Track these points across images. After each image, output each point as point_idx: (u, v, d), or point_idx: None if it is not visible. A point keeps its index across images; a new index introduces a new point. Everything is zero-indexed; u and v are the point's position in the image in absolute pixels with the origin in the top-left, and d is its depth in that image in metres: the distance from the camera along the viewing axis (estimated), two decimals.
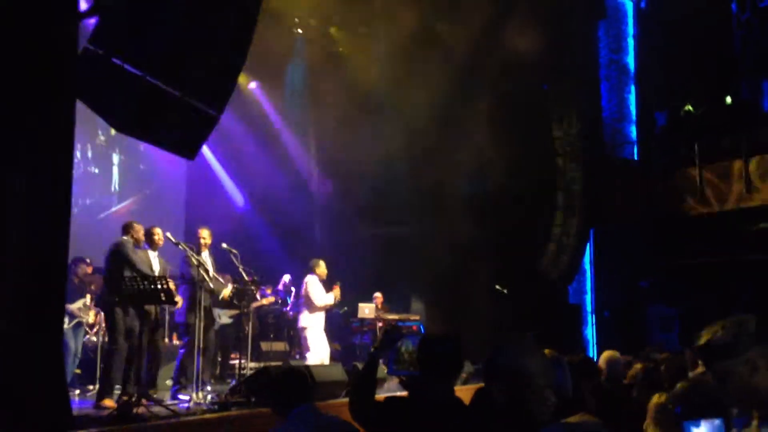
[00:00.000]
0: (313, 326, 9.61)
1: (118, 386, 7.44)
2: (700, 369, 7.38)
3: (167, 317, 10.08)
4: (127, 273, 7.27)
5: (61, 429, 4.97)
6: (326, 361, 9.49)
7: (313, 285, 9.63)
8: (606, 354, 6.23)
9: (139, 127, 5.55)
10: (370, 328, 12.45)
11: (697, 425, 2.54)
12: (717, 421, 2.56)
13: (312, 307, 9.62)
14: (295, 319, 13.27)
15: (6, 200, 4.86)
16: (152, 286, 6.70)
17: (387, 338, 3.80)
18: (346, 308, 13.40)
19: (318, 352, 9.56)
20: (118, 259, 7.47)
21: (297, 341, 13.44)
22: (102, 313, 9.43)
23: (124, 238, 7.74)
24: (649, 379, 5.32)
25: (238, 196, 15.28)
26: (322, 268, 9.78)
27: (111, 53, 5.17)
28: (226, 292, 8.16)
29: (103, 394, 7.17)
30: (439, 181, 13.50)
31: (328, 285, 9.81)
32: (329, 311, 10.33)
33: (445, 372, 3.53)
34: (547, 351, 3.85)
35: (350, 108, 13.59)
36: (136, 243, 7.76)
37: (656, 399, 3.80)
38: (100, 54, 5.12)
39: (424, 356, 3.55)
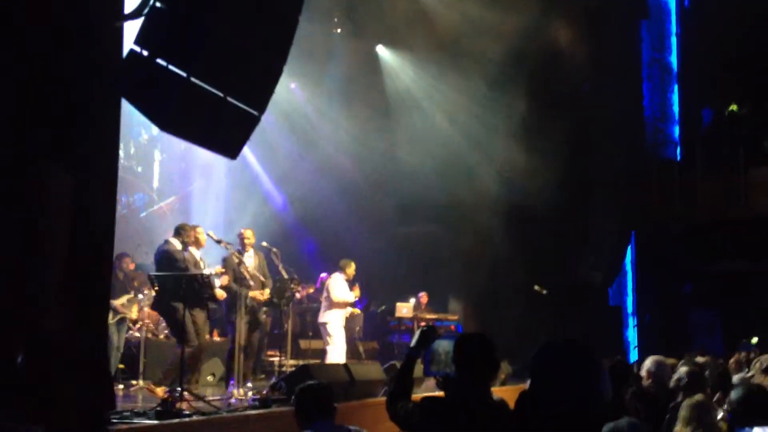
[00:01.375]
0: (332, 322, 9.80)
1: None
2: (745, 373, 7.30)
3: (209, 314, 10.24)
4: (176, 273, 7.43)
5: (106, 422, 5.08)
6: (343, 358, 9.62)
7: (335, 282, 9.88)
8: (652, 358, 6.16)
9: (183, 126, 5.64)
10: (408, 327, 12.46)
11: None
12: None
13: (332, 304, 9.82)
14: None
15: (54, 198, 4.97)
16: (200, 285, 6.83)
17: (423, 338, 3.81)
18: (383, 307, 13.45)
19: (338, 346, 9.74)
20: (167, 260, 7.63)
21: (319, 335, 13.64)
22: (145, 310, 9.61)
23: (172, 240, 7.90)
24: (693, 383, 5.25)
25: (277, 196, 15.40)
26: (351, 268, 10.02)
27: (156, 54, 5.25)
28: (258, 295, 8.23)
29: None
30: (477, 180, 13.47)
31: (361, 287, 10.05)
32: (366, 311, 10.42)
33: (480, 372, 3.53)
34: None
35: (388, 107, 13.63)
36: (185, 245, 7.90)
37: (696, 398, 3.76)
38: (144, 55, 5.21)
39: (459, 357, 3.56)
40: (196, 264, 7.89)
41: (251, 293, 8.13)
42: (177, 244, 7.84)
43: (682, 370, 5.38)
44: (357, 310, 11.61)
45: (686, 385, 5.21)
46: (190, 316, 7.31)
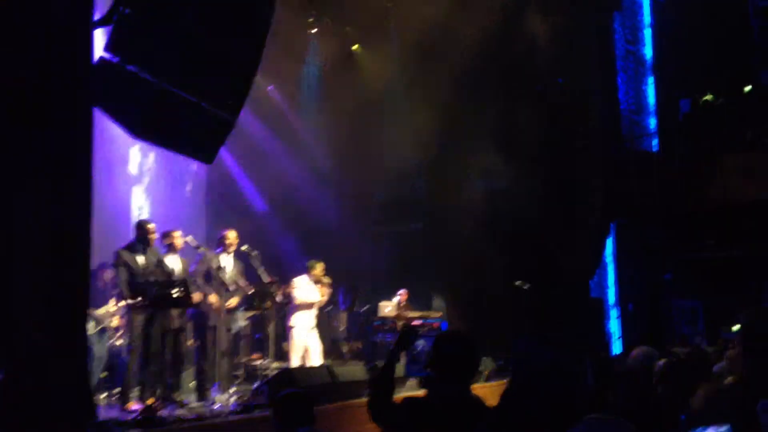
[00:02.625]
0: (299, 325, 9.65)
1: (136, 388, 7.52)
2: (725, 362, 7.34)
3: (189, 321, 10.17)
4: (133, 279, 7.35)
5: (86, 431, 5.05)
6: (315, 360, 9.52)
7: (297, 283, 9.74)
8: (639, 350, 6.16)
9: (156, 133, 5.62)
10: (391, 327, 12.46)
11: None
12: (723, 428, 2.55)
13: (298, 308, 9.70)
14: (320, 319, 13.41)
15: (28, 207, 4.93)
16: (166, 291, 6.74)
17: (404, 338, 3.82)
18: (367, 306, 13.44)
19: (298, 350, 9.56)
20: (120, 265, 7.52)
21: (326, 340, 13.58)
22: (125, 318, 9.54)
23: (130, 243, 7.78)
24: (673, 374, 5.26)
25: (256, 198, 15.36)
26: (317, 269, 9.89)
27: (126, 61, 5.23)
28: (232, 302, 8.17)
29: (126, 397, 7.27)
30: (455, 176, 13.50)
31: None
32: (350, 311, 10.40)
33: (459, 371, 3.54)
34: None
35: (366, 105, 13.62)
36: (146, 243, 7.73)
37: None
38: (115, 62, 5.18)
39: (438, 356, 3.57)
40: (159, 264, 7.73)
41: (230, 301, 8.09)
42: (135, 245, 7.71)
43: (659, 362, 5.41)
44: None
45: (662, 377, 5.23)
46: (164, 322, 7.25)
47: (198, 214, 14.95)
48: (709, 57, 14.86)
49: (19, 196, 4.91)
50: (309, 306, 9.77)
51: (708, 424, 2.53)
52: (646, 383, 5.62)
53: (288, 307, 9.87)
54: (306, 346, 9.66)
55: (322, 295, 9.81)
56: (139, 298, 6.95)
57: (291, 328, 9.71)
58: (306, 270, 9.90)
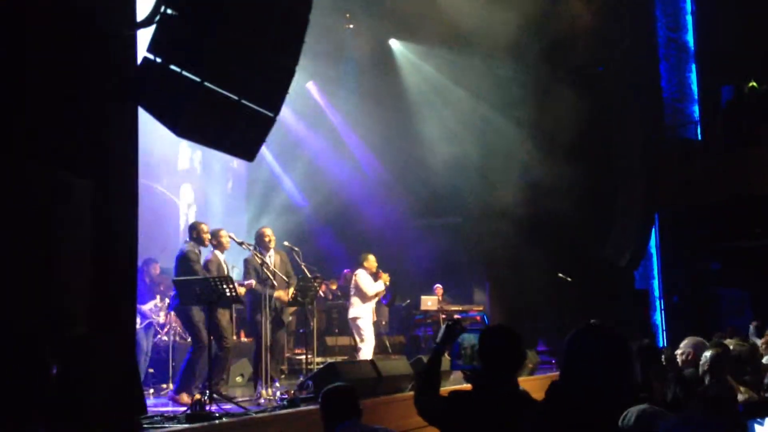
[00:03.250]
0: (364, 317, 9.91)
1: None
2: None
3: (235, 315, 10.29)
4: (195, 275, 7.47)
5: (137, 427, 5.13)
6: (371, 353, 9.74)
7: (361, 277, 9.97)
8: (690, 340, 6.09)
9: (199, 131, 5.67)
10: (433, 320, 12.48)
11: (761, 423, 2.48)
12: None
13: (363, 298, 9.93)
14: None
15: (75, 205, 5.02)
16: (219, 288, 6.84)
17: (448, 332, 3.82)
18: (408, 300, 13.45)
19: (369, 341, 9.84)
20: (185, 264, 7.67)
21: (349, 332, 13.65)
22: (172, 313, 9.68)
23: (190, 242, 7.94)
24: (717, 366, 5.20)
25: (297, 194, 15.45)
26: (370, 261, 10.09)
27: (169, 61, 5.28)
28: (283, 295, 8.26)
29: (181, 390, 7.41)
30: (495, 169, 13.42)
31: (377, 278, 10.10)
32: (391, 305, 10.45)
33: (506, 364, 3.54)
34: None
35: (404, 100, 13.61)
36: (201, 243, 7.93)
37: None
38: (158, 62, 5.24)
39: (484, 350, 3.56)
40: (219, 266, 7.93)
41: (276, 293, 8.17)
42: (193, 245, 7.89)
43: (707, 353, 5.34)
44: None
45: (710, 368, 5.18)
46: (212, 318, 7.35)
47: (239, 211, 15.10)
48: (752, 43, 14.56)
49: (66, 194, 5.01)
50: (372, 297, 9.99)
51: (766, 416, 2.48)
52: (694, 374, 5.56)
53: (351, 300, 10.08)
54: (372, 337, 9.92)
55: (386, 281, 10.04)
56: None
57: (356, 319, 9.91)
58: (360, 264, 10.08)
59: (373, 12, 14.06)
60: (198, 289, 6.84)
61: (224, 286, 6.85)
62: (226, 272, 7.90)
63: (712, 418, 2.19)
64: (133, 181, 5.57)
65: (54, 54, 4.97)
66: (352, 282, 10.13)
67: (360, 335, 9.88)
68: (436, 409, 3.62)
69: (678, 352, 6.00)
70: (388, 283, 10.14)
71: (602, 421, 2.42)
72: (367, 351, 9.73)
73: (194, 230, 8.03)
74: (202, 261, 7.93)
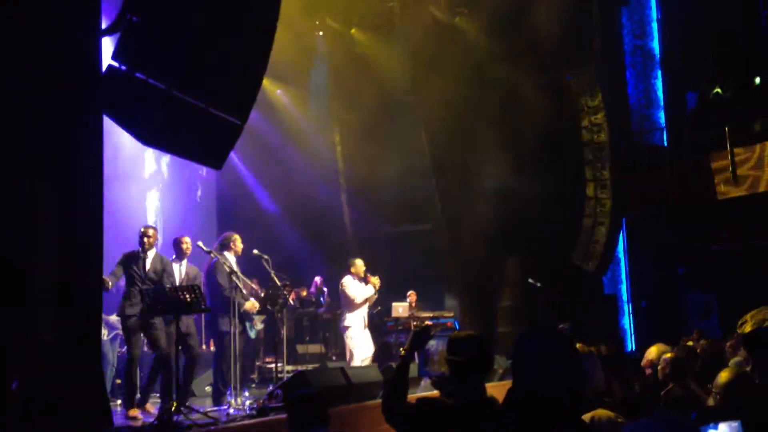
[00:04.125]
0: (354, 325, 9.71)
1: (156, 394, 7.55)
2: (740, 356, 7.31)
3: (203, 324, 10.19)
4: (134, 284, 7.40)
5: None
6: (369, 359, 9.56)
7: (348, 284, 9.76)
8: (656, 348, 6.15)
9: (165, 139, 5.64)
10: (404, 327, 12.45)
11: (715, 428, 2.50)
12: (735, 424, 2.53)
13: (351, 306, 9.73)
14: (332, 321, 13.40)
15: (41, 215, 4.96)
16: (178, 296, 6.75)
17: (416, 339, 3.83)
18: (379, 308, 13.43)
19: (362, 350, 9.65)
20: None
21: (341, 342, 13.56)
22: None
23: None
24: (677, 370, 5.27)
25: (268, 204, 15.38)
26: (357, 266, 9.89)
27: (134, 68, 5.25)
28: (249, 305, 8.20)
29: (129, 404, 7.29)
30: (466, 176, 13.48)
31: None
32: (371, 310, 10.41)
33: (474, 371, 3.55)
34: (578, 345, 3.85)
35: (374, 107, 13.61)
36: (149, 247, 7.73)
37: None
38: (123, 70, 5.21)
39: (452, 356, 3.57)
40: (179, 274, 7.82)
41: (246, 305, 8.12)
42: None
43: (666, 358, 5.41)
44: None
45: (671, 373, 5.24)
46: (179, 328, 7.28)
47: (209, 219, 14.99)
48: (717, 49, 14.80)
49: (32, 203, 4.94)
50: (361, 304, 9.77)
51: (719, 421, 2.50)
52: (654, 378, 5.62)
53: (342, 308, 9.91)
54: (366, 345, 9.74)
55: (375, 285, 9.77)
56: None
57: (347, 328, 9.74)
58: (348, 270, 9.90)
59: (343, 20, 14.07)
60: (164, 298, 6.77)
61: (195, 296, 6.77)
62: (184, 280, 7.81)
63: (673, 422, 2.21)
64: (98, 189, 5.51)
65: (18, 62, 4.91)
66: (340, 290, 9.92)
67: (349, 344, 9.70)
68: (404, 416, 3.62)
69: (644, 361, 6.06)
70: (378, 285, 9.84)
71: (556, 426, 2.43)
72: (359, 356, 9.55)
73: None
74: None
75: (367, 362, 9.44)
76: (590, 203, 14.42)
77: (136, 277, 7.46)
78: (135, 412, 7.05)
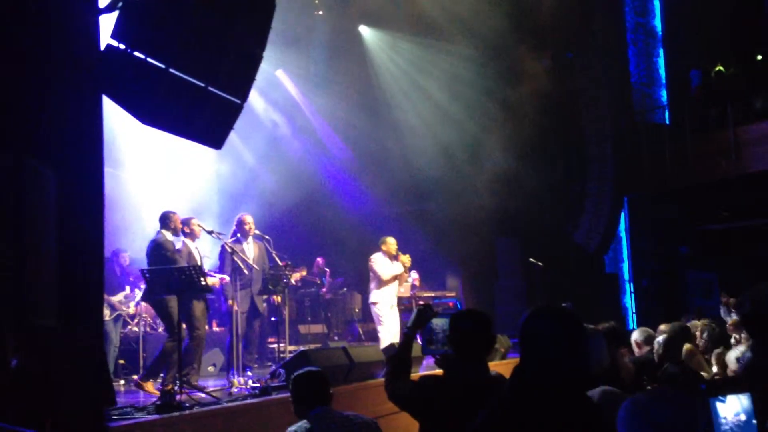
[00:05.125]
0: (382, 301, 9.68)
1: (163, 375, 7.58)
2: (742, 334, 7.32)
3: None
4: (171, 264, 7.40)
5: (106, 419, 5.08)
6: (398, 336, 9.39)
7: (377, 260, 9.73)
8: (639, 330, 6.21)
9: (165, 119, 5.59)
10: (407, 307, 12.49)
11: (723, 401, 2.50)
12: (744, 396, 2.52)
13: (379, 283, 9.70)
14: (334, 301, 13.43)
15: (39, 195, 4.94)
16: (190, 277, 6.77)
17: (419, 318, 3.83)
18: None
19: (389, 326, 9.62)
20: (158, 253, 7.57)
21: (342, 322, 13.58)
22: (141, 305, 9.59)
23: (163, 231, 7.82)
24: (669, 349, 5.31)
25: (270, 184, 15.35)
26: (388, 244, 9.82)
27: (133, 47, 5.19)
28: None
29: (148, 377, 7.33)
30: (467, 155, 13.44)
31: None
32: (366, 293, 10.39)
33: (476, 349, 3.54)
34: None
35: (376, 87, 13.56)
36: (174, 233, 7.82)
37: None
38: (121, 48, 5.15)
39: (454, 334, 3.57)
40: (190, 254, 7.83)
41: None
42: (167, 234, 7.77)
43: (659, 338, 5.45)
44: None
45: (664, 352, 5.28)
46: (184, 307, 7.29)
47: (209, 200, 14.97)
48: (719, 27, 14.70)
49: (30, 184, 4.92)
50: (389, 281, 9.73)
51: (727, 393, 2.50)
52: (650, 357, 5.65)
53: (370, 285, 9.85)
54: (394, 322, 9.70)
55: (405, 263, 9.72)
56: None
57: (374, 304, 9.71)
58: (379, 248, 9.84)
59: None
60: (167, 278, 6.77)
61: (195, 276, 6.79)
62: (198, 261, 7.82)
63: (668, 397, 2.22)
64: (98, 169, 5.47)
65: (15, 40, 4.87)
66: (369, 265, 9.86)
67: (378, 320, 9.69)
68: (407, 395, 3.63)
69: (634, 338, 6.09)
70: (408, 264, 9.81)
71: (562, 403, 2.43)
72: (386, 337, 9.49)
73: (167, 219, 7.88)
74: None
75: (388, 342, 9.27)
76: (591, 182, 14.39)
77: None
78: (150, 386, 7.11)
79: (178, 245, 7.79)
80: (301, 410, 4.08)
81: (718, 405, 2.47)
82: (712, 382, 3.61)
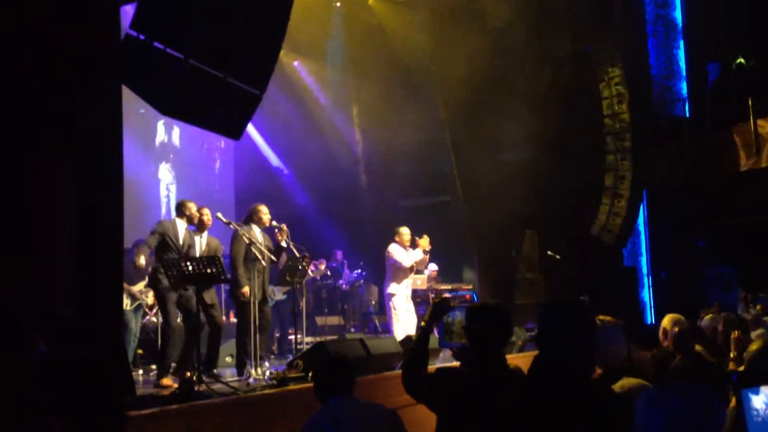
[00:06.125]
0: (399, 293, 9.63)
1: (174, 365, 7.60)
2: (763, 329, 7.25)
3: (223, 295, 10.26)
4: (170, 255, 7.41)
5: (125, 407, 5.11)
6: (411, 329, 9.39)
7: (394, 250, 9.67)
8: (670, 317, 6.12)
9: (184, 109, 5.60)
10: (423, 299, 12.49)
11: (756, 392, 2.48)
12: None
13: (397, 274, 9.64)
14: (350, 293, 13.44)
15: (58, 184, 4.97)
16: (197, 268, 6.77)
17: (435, 310, 3.82)
18: None
19: (404, 319, 9.56)
20: (162, 241, 7.59)
21: (359, 314, 13.58)
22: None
23: (176, 219, 7.83)
24: (684, 341, 5.28)
25: (286, 177, 15.38)
26: (402, 235, 9.76)
27: (153, 37, 5.21)
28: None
29: (161, 373, 7.34)
30: (484, 148, 13.39)
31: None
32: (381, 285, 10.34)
33: (493, 341, 3.53)
34: (601, 317, 3.83)
35: (392, 79, 13.53)
36: (190, 221, 7.81)
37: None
38: (141, 39, 5.17)
39: (471, 327, 3.56)
40: (191, 247, 7.79)
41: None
42: (178, 222, 7.78)
43: (673, 330, 5.42)
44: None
45: (676, 345, 5.26)
46: (186, 297, 7.32)
47: (226, 191, 15.04)
48: (740, 19, 14.54)
49: (50, 173, 4.95)
50: (410, 269, 9.68)
51: (761, 384, 2.48)
52: (666, 351, 5.62)
53: (386, 275, 9.78)
54: (410, 315, 9.64)
55: (424, 249, 9.62)
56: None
57: (391, 296, 9.63)
58: (392, 238, 9.79)
59: None
60: (176, 269, 6.79)
61: (210, 267, 6.79)
62: (205, 252, 7.83)
63: (682, 390, 2.22)
64: (118, 159, 5.50)
65: (35, 30, 4.90)
66: (386, 257, 9.78)
67: (392, 313, 9.61)
68: (424, 387, 3.62)
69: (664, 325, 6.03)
70: (428, 246, 9.66)
71: (579, 395, 2.44)
72: (399, 330, 9.43)
73: (181, 207, 7.88)
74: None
75: (403, 335, 9.18)
76: (611, 175, 14.30)
77: (173, 248, 7.54)
78: (167, 381, 7.12)
79: (184, 235, 7.75)
80: (323, 397, 4.06)
81: (751, 396, 2.45)
82: (744, 373, 3.60)
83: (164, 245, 7.58)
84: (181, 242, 7.64)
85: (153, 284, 7.72)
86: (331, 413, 3.91)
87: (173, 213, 8.26)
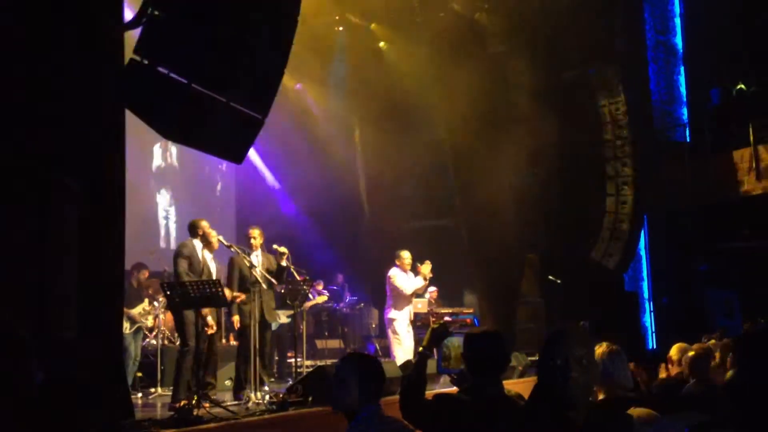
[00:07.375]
0: (400, 319, 9.58)
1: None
2: None
3: (224, 318, 10.23)
4: (193, 276, 7.40)
5: (123, 430, 5.10)
6: (410, 354, 9.33)
7: (396, 275, 9.60)
8: (678, 346, 6.09)
9: (186, 133, 5.64)
10: (423, 323, 12.45)
11: None
12: None
13: (398, 299, 9.59)
14: (351, 316, 13.42)
15: (61, 206, 4.99)
16: (204, 290, 6.77)
17: (434, 336, 3.82)
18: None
19: (405, 344, 9.50)
20: (175, 262, 7.60)
21: (360, 338, 13.52)
22: (160, 318, 9.64)
23: (191, 240, 7.83)
24: (700, 366, 5.26)
25: (287, 199, 15.39)
26: (403, 259, 9.70)
27: (156, 62, 5.25)
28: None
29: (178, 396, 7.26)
30: (486, 172, 13.41)
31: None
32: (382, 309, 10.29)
33: (490, 368, 3.53)
34: (605, 344, 3.82)
35: (393, 104, 13.58)
36: (204, 240, 7.76)
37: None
38: (145, 63, 5.21)
39: (468, 353, 3.57)
40: (206, 265, 7.82)
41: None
42: (191, 243, 7.79)
43: (688, 356, 5.40)
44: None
45: (691, 370, 5.25)
46: (199, 319, 7.31)
47: (228, 214, 15.06)
48: (740, 45, 14.63)
49: (51, 196, 4.98)
50: (411, 296, 9.63)
51: None
52: (679, 376, 5.60)
53: (387, 300, 9.74)
54: (409, 340, 9.57)
55: (425, 277, 9.54)
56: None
57: (392, 321, 9.58)
58: (393, 263, 9.75)
59: (363, 15, 14.03)
60: (190, 291, 6.77)
61: (208, 289, 6.77)
62: (214, 274, 7.83)
63: (695, 417, 2.23)
64: (120, 183, 5.55)
65: (41, 54, 4.95)
66: (387, 282, 9.73)
67: (392, 338, 9.56)
68: (422, 412, 3.61)
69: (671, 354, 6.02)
70: (429, 275, 9.54)
71: (575, 421, 2.44)
72: (400, 354, 9.36)
73: (193, 227, 7.86)
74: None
75: (403, 359, 9.12)
76: (612, 199, 14.30)
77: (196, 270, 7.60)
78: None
79: (201, 255, 7.77)
80: (356, 402, 3.50)
81: None
82: None
83: (190, 267, 7.59)
84: (201, 263, 7.67)
85: (173, 306, 7.62)
86: (361, 427, 3.44)
87: (173, 235, 8.27)
